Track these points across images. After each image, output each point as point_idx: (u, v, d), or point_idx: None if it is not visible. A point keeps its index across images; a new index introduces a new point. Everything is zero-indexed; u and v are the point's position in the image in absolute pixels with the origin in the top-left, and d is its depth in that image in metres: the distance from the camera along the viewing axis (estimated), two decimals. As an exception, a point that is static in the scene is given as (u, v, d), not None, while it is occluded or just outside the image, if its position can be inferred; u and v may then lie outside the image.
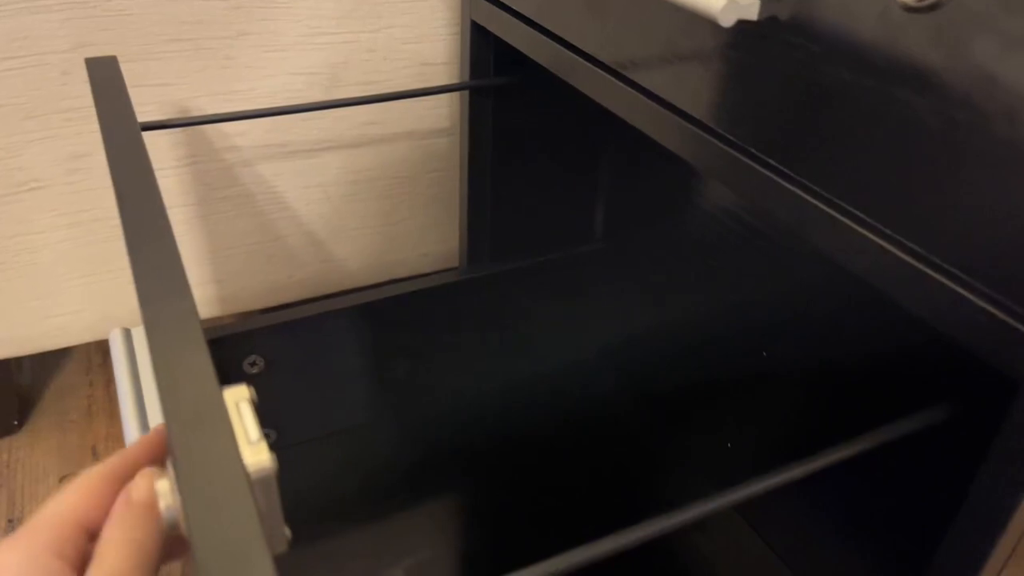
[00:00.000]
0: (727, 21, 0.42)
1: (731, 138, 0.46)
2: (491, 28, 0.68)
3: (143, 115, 0.81)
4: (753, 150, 0.45)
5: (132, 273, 0.33)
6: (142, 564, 0.32)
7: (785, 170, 0.43)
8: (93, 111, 0.64)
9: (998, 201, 0.33)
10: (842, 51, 0.39)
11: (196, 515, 0.22)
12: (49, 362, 1.14)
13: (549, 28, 0.61)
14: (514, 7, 0.64)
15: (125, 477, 0.35)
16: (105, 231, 0.87)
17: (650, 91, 0.52)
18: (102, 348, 1.16)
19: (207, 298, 0.97)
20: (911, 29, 0.35)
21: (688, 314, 0.71)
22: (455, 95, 0.91)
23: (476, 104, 0.77)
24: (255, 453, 0.27)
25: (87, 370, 1.13)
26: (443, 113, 0.93)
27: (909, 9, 0.35)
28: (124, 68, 0.69)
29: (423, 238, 1.03)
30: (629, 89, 0.53)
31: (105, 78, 0.53)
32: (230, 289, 0.97)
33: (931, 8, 0.34)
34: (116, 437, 1.03)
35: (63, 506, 0.34)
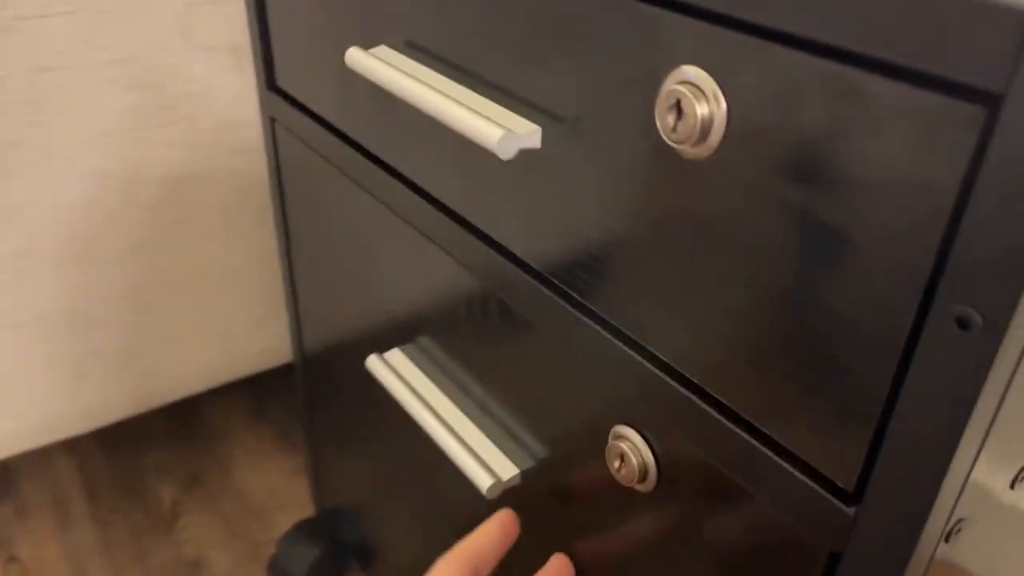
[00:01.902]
0: (506, 154, 0.38)
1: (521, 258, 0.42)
2: (289, 127, 0.62)
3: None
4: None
5: None
6: None
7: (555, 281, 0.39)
8: None
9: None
10: (620, 192, 0.35)
11: None
12: None
13: (347, 132, 0.55)
14: (314, 109, 0.59)
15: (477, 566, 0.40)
16: None
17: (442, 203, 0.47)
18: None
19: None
20: (679, 171, 0.32)
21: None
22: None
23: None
24: None
25: None
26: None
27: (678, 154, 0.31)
28: None
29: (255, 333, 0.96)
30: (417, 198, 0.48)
31: None
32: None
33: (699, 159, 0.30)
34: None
35: None
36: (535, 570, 0.45)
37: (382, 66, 0.44)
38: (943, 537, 0.30)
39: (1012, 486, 0.32)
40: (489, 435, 0.51)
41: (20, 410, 0.86)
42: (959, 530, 0.30)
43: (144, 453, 1.05)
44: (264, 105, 0.65)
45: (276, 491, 1.00)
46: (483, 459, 0.49)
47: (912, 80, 0.24)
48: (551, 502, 0.47)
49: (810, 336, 0.29)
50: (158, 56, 0.74)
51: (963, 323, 0.24)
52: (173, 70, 0.75)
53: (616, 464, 0.39)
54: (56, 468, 1.03)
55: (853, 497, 0.30)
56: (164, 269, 0.85)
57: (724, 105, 0.29)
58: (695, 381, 0.35)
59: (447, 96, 0.41)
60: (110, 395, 0.92)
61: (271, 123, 0.65)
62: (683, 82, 0.30)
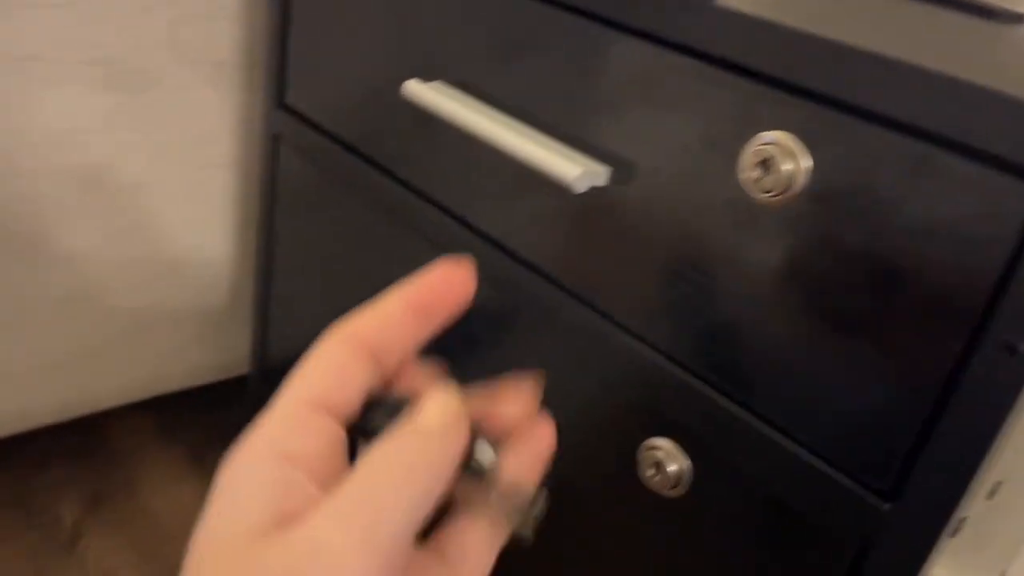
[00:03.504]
0: (580, 187, 0.43)
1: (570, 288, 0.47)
2: (298, 144, 0.64)
3: None
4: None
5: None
6: (414, 497, 0.24)
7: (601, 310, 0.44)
8: None
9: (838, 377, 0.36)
10: (687, 232, 0.41)
11: None
12: None
13: (371, 154, 0.58)
14: (329, 128, 0.61)
15: (373, 346, 0.28)
16: None
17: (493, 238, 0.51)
18: None
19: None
20: (757, 218, 0.38)
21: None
22: (236, 211, 0.84)
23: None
24: None
25: None
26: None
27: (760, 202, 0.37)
28: None
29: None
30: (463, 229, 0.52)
31: None
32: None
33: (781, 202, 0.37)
34: None
35: (297, 390, 0.26)
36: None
37: (447, 100, 0.49)
38: (953, 532, 0.37)
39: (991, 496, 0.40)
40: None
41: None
42: (960, 528, 0.37)
43: (40, 468, 0.99)
44: (269, 121, 0.67)
45: (188, 515, 0.97)
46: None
47: (979, 158, 0.31)
48: (574, 505, 0.50)
49: (865, 355, 0.36)
50: (142, 62, 0.74)
51: (1010, 349, 0.31)
52: (154, 78, 0.75)
53: (650, 472, 0.44)
54: (-60, 480, 0.95)
55: (888, 495, 0.36)
56: (103, 278, 0.83)
57: (808, 164, 0.36)
58: (740, 397, 0.41)
59: (519, 132, 0.45)
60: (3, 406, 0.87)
61: (274, 139, 0.67)
62: (771, 143, 0.36)
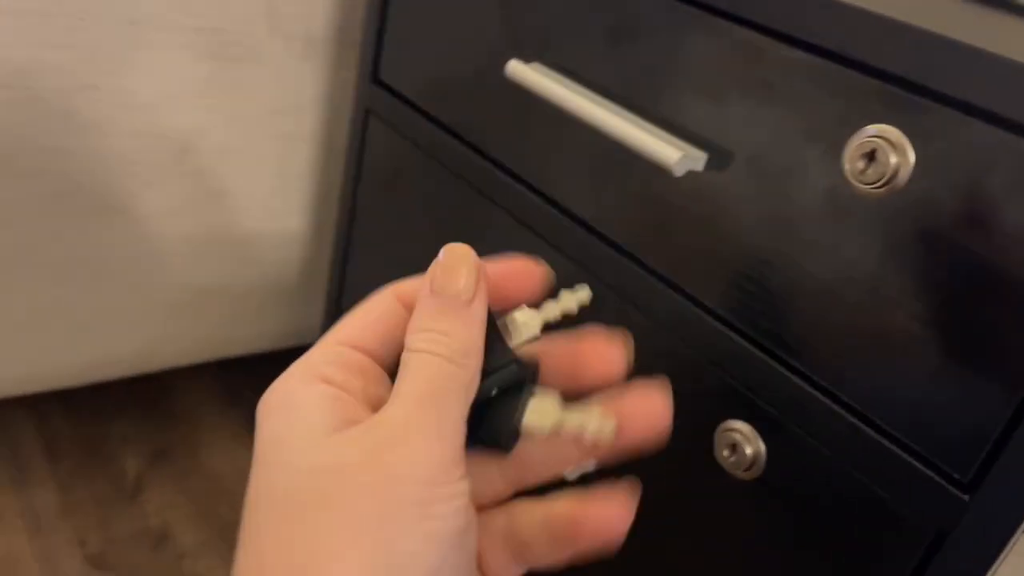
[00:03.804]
0: (679, 171, 0.44)
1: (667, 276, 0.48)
2: (389, 119, 0.67)
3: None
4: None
5: None
6: (464, 383, 0.27)
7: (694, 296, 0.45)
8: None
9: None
10: (780, 219, 0.42)
11: None
12: None
13: (462, 133, 0.60)
14: (422, 106, 0.63)
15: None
16: None
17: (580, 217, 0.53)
18: None
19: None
20: (856, 209, 0.39)
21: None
22: (316, 195, 0.87)
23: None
24: None
25: None
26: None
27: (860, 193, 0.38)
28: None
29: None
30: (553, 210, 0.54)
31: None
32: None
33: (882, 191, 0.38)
34: None
35: (334, 332, 0.29)
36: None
37: (549, 81, 0.50)
38: None
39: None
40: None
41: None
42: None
43: (108, 421, 1.03)
44: (362, 96, 0.69)
45: (245, 477, 0.99)
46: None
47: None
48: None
49: (955, 349, 0.37)
50: (240, 33, 0.77)
51: (1110, 348, 0.32)
52: (250, 49, 0.78)
53: (725, 453, 0.45)
54: (14, 424, 0.99)
55: (968, 487, 0.37)
56: (191, 237, 0.86)
57: (913, 158, 0.37)
58: (821, 383, 0.42)
59: (620, 115, 0.47)
60: (73, 357, 0.90)
61: (365, 114, 0.69)
62: (877, 136, 0.37)
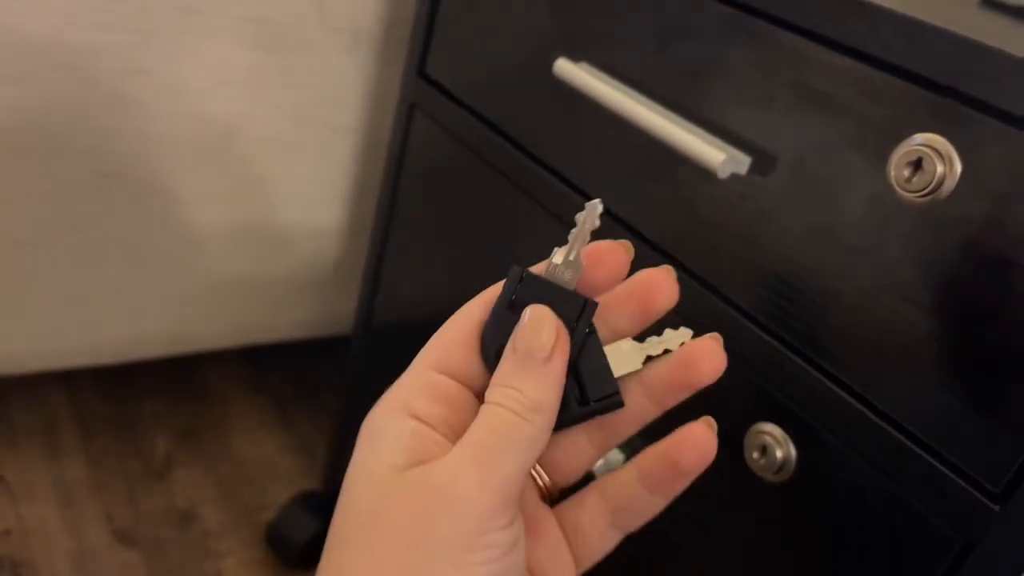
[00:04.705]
0: (724, 174, 0.44)
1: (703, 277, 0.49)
2: (433, 114, 0.68)
3: None
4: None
5: None
6: (520, 448, 0.29)
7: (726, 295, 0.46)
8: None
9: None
10: (822, 224, 0.42)
11: None
12: None
13: (507, 130, 0.61)
14: (467, 101, 0.64)
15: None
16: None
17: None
18: None
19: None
20: (899, 217, 0.39)
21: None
22: (352, 191, 0.88)
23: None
24: None
25: None
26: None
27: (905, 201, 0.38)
28: None
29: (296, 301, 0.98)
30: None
31: None
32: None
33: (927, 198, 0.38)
34: None
35: (424, 356, 0.31)
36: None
37: (596, 80, 0.51)
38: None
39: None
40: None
41: (8, 333, 0.85)
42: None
43: (140, 400, 1.05)
44: (408, 90, 0.70)
45: (271, 463, 1.01)
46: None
47: None
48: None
49: (993, 356, 0.37)
50: (290, 24, 0.78)
51: None
52: (298, 41, 0.80)
53: (755, 455, 0.46)
54: (49, 398, 1.01)
55: (999, 497, 0.37)
56: (230, 222, 0.87)
57: (959, 169, 0.37)
58: (855, 389, 0.42)
59: (665, 117, 0.47)
60: (108, 334, 0.92)
61: (410, 107, 0.70)
62: (924, 144, 0.38)
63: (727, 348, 0.47)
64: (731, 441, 0.47)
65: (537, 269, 0.32)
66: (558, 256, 0.31)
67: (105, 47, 0.73)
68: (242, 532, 0.91)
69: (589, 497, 0.34)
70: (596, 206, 0.31)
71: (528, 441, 0.29)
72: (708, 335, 0.33)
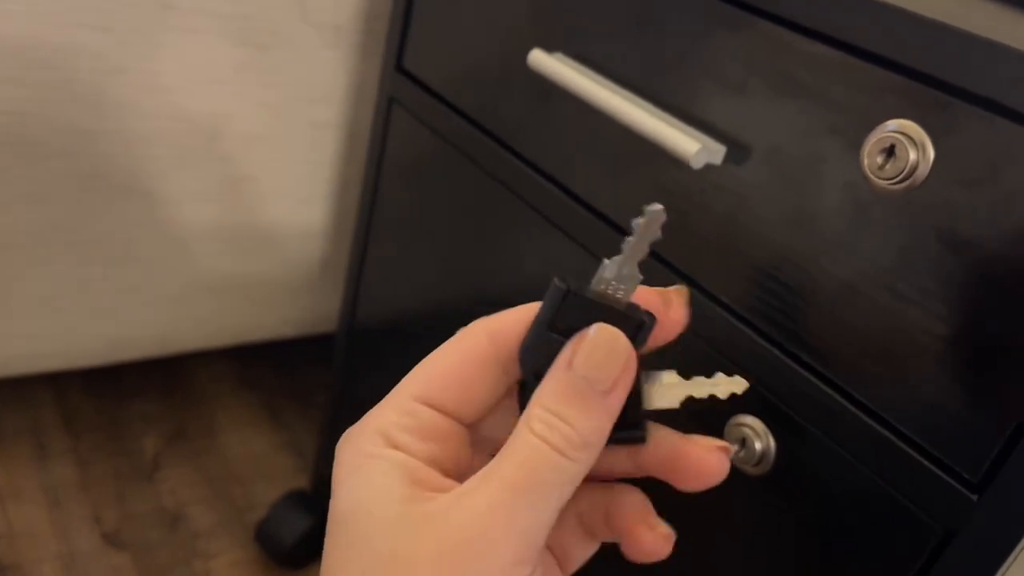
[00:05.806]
0: (698, 163, 0.44)
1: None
2: (412, 108, 0.67)
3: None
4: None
5: None
6: (546, 496, 0.25)
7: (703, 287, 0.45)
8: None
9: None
10: (798, 214, 0.42)
11: None
12: None
13: (483, 123, 0.61)
14: (444, 95, 0.64)
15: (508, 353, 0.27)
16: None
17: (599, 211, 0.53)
18: None
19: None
20: (874, 205, 0.39)
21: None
22: (335, 185, 0.88)
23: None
24: None
25: None
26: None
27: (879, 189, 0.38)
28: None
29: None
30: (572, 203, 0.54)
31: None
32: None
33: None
34: None
35: (410, 384, 0.27)
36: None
37: (570, 71, 0.50)
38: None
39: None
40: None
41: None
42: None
43: (128, 401, 1.04)
44: (386, 84, 0.69)
45: (260, 462, 1.01)
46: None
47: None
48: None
49: (972, 345, 0.36)
50: (271, 20, 0.78)
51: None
52: (280, 36, 0.79)
53: (735, 447, 0.45)
54: (36, 400, 1.01)
55: (977, 486, 0.37)
56: (215, 221, 0.87)
57: (932, 155, 0.37)
58: (834, 380, 0.42)
59: (640, 107, 0.47)
60: (95, 336, 0.91)
61: (389, 102, 0.69)
62: (897, 131, 0.37)
63: (704, 337, 0.47)
64: (710, 434, 0.47)
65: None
66: (609, 270, 0.27)
67: (84, 46, 0.72)
68: (232, 532, 0.91)
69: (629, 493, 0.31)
70: (660, 213, 0.27)
71: (570, 482, 0.26)
72: (721, 443, 0.31)
